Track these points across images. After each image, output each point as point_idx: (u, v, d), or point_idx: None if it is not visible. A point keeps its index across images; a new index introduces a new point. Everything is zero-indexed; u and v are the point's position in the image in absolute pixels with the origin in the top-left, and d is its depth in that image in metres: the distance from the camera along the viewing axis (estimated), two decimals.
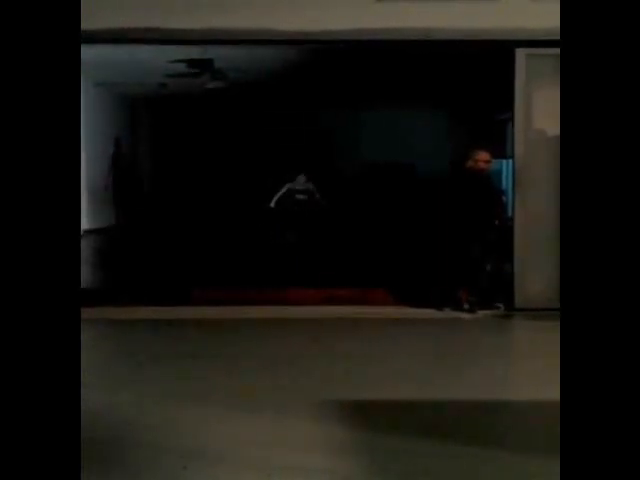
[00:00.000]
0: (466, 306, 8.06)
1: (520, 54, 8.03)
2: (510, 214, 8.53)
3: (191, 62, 10.96)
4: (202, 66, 11.13)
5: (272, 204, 13.65)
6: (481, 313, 8.01)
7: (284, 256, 12.16)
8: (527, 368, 6.15)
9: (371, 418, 4.60)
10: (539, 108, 8.05)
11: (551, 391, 4.58)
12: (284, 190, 13.79)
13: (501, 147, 13.01)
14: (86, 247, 11.57)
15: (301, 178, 14.03)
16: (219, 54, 10.41)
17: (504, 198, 9.16)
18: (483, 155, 8.17)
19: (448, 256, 8.04)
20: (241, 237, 14.31)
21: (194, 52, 10.17)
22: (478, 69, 11.29)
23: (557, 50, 7.83)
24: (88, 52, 8.80)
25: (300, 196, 13.80)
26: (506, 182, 11.25)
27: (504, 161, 11.93)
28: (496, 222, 8.36)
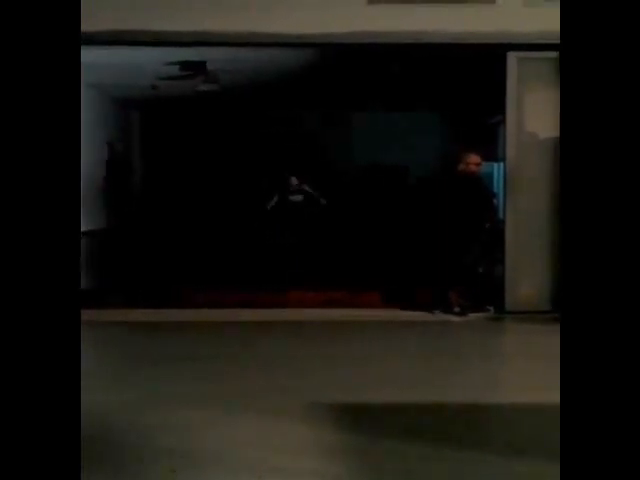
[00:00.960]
0: (457, 309, 8.09)
1: (512, 57, 8.06)
2: (501, 217, 8.57)
3: (184, 64, 10.94)
4: (195, 69, 11.12)
5: (270, 206, 13.66)
6: (472, 316, 8.04)
7: (281, 258, 12.17)
8: (518, 371, 6.17)
9: (363, 420, 4.61)
10: (531, 111, 8.09)
11: (543, 393, 4.64)
12: (275, 200, 13.78)
13: (492, 150, 13.04)
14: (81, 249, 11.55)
15: (293, 180, 14.01)
16: (212, 56, 10.41)
17: (495, 201, 9.20)
18: (474, 158, 8.21)
19: (439, 259, 8.07)
20: (237, 239, 14.30)
21: (187, 54, 10.17)
22: (470, 72, 11.31)
23: (549, 54, 7.92)
24: (83, 54, 8.82)
25: (296, 197, 13.77)
26: (497, 185, 11.28)
27: (495, 164, 11.96)
28: (487, 225, 8.39)
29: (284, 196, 13.77)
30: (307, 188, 13.94)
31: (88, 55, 9.85)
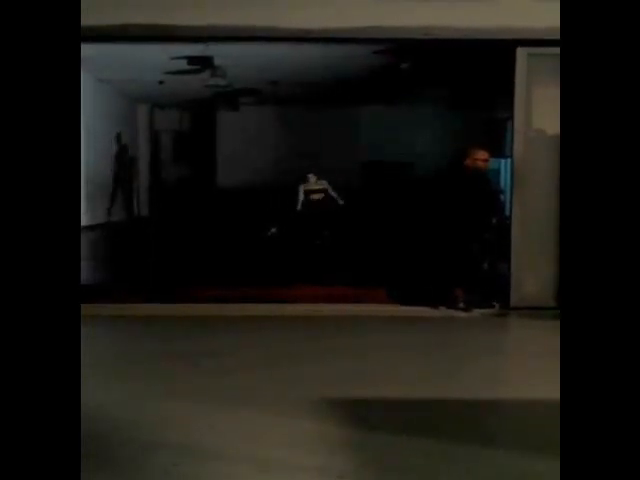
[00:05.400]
0: (462, 305, 8.07)
1: (521, 53, 8.03)
2: (508, 213, 8.55)
3: (192, 59, 10.96)
4: (202, 63, 11.15)
5: (299, 208, 13.67)
6: (476, 312, 8.02)
7: (287, 254, 12.17)
8: (522, 367, 6.16)
9: (365, 416, 4.61)
10: (539, 107, 8.06)
11: (547, 389, 4.63)
12: (302, 193, 13.79)
13: (499, 146, 13.03)
14: (84, 243, 11.58)
15: (311, 177, 13.98)
16: (219, 51, 10.43)
17: (502, 197, 9.18)
18: (481, 153, 8.18)
19: (445, 254, 8.06)
20: (244, 235, 14.30)
21: (195, 49, 10.19)
22: (479, 68, 11.30)
23: (558, 49, 7.83)
24: (92, 49, 8.84)
25: (315, 196, 13.78)
26: (504, 181, 11.27)
27: (502, 160, 11.96)
28: (493, 221, 8.37)
29: (306, 194, 13.79)
30: (326, 185, 13.93)
31: (101, 50, 9.93)
